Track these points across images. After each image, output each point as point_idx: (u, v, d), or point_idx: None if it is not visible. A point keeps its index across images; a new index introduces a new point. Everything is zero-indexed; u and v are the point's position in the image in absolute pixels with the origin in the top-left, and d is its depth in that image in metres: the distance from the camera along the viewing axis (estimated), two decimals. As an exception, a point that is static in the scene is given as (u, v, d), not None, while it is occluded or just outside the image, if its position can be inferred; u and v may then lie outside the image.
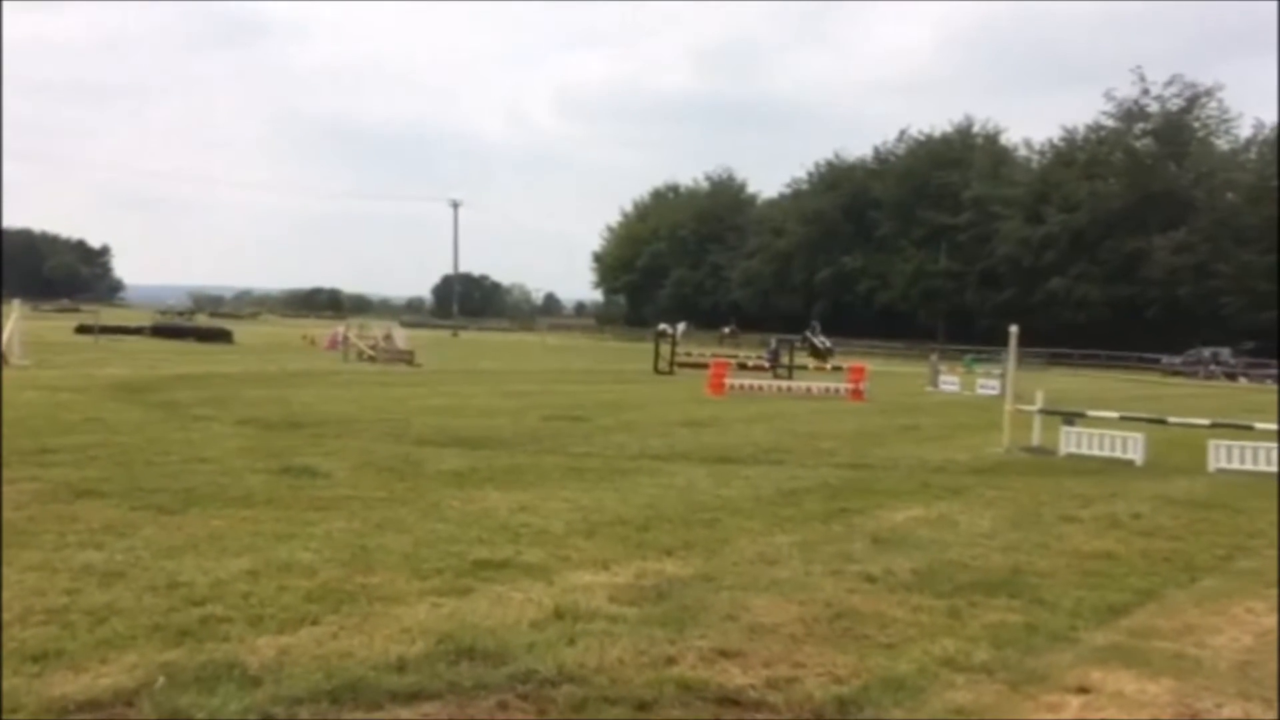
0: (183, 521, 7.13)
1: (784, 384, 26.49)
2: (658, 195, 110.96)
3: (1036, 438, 14.43)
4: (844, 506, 8.95)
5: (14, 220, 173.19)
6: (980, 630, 5.38)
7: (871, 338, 70.04)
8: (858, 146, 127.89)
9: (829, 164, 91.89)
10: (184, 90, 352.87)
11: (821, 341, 36.65)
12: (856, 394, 24.15)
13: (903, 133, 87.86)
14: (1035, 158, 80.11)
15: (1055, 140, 77.87)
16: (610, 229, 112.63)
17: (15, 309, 24.78)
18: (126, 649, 4.44)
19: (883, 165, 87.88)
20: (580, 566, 6.36)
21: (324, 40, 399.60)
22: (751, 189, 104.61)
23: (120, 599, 5.18)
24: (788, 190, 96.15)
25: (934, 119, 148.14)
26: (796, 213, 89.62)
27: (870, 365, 29.53)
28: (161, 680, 4.06)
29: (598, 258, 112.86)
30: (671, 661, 4.64)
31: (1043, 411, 14.83)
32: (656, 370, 31.88)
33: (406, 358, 32.53)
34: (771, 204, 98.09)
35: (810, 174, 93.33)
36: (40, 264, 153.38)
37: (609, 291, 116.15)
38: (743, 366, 27.73)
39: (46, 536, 6.51)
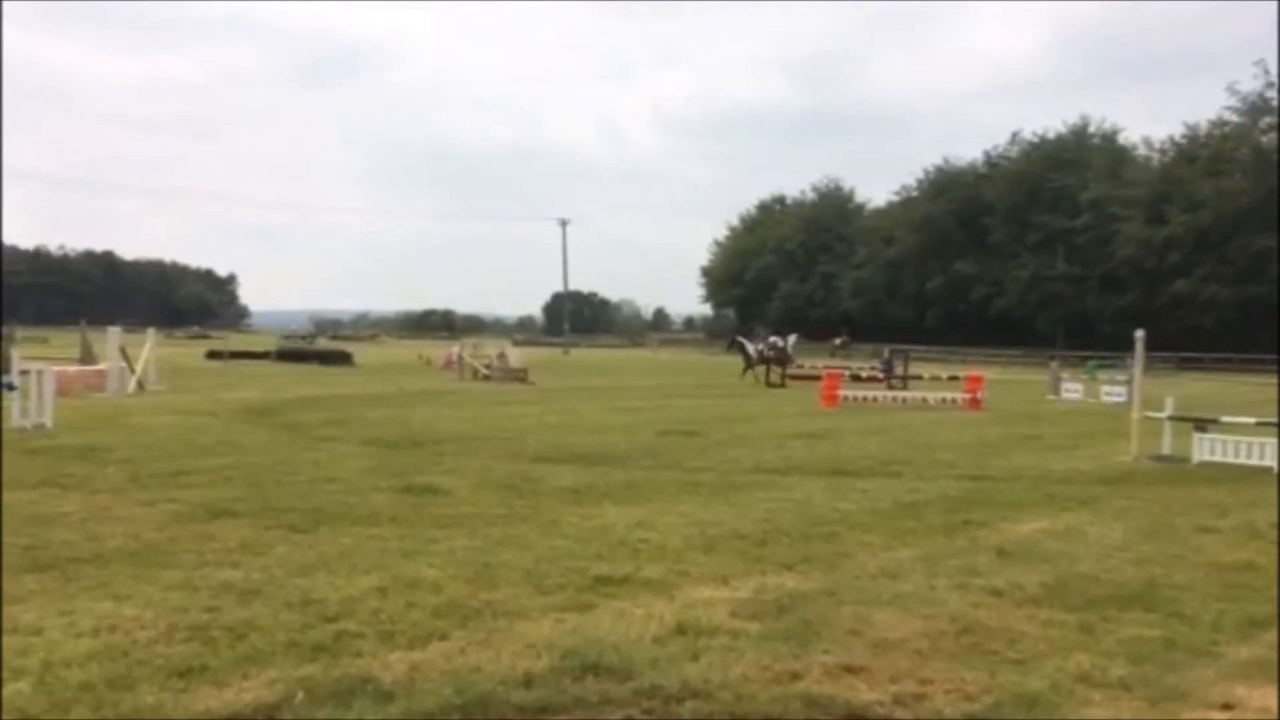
0: (313, 540, 7.35)
1: (899, 394, 26.10)
2: (764, 208, 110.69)
3: (1167, 445, 13.94)
4: (966, 519, 8.78)
5: (145, 252, 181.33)
6: (1116, 645, 5.21)
7: (987, 346, 68.56)
8: (967, 151, 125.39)
9: (938, 169, 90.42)
10: (293, 122, 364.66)
11: (772, 345, 35.71)
12: (974, 403, 23.67)
13: (1015, 135, 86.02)
14: (1156, 156, 77.53)
15: (1176, 137, 75.31)
16: (718, 243, 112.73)
17: (150, 337, 25.88)
18: (266, 664, 4.59)
19: (994, 169, 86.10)
20: (700, 582, 6.36)
21: (421, 68, 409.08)
22: (859, 198, 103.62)
23: (258, 616, 5.36)
24: (896, 198, 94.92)
25: (1047, 120, 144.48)
26: (906, 220, 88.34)
27: (987, 374, 28.88)
28: (300, 695, 4.19)
29: (706, 272, 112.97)
30: (796, 677, 4.61)
31: (1173, 418, 14.32)
32: (768, 384, 31.72)
33: (520, 376, 32.97)
34: (880, 212, 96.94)
35: (919, 180, 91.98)
36: (171, 293, 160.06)
37: (718, 305, 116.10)
38: (856, 378, 27.43)
39: (186, 556, 6.77)
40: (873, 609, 5.76)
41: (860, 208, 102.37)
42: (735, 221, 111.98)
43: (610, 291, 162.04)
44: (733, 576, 6.50)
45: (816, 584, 6.35)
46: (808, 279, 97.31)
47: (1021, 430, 18.18)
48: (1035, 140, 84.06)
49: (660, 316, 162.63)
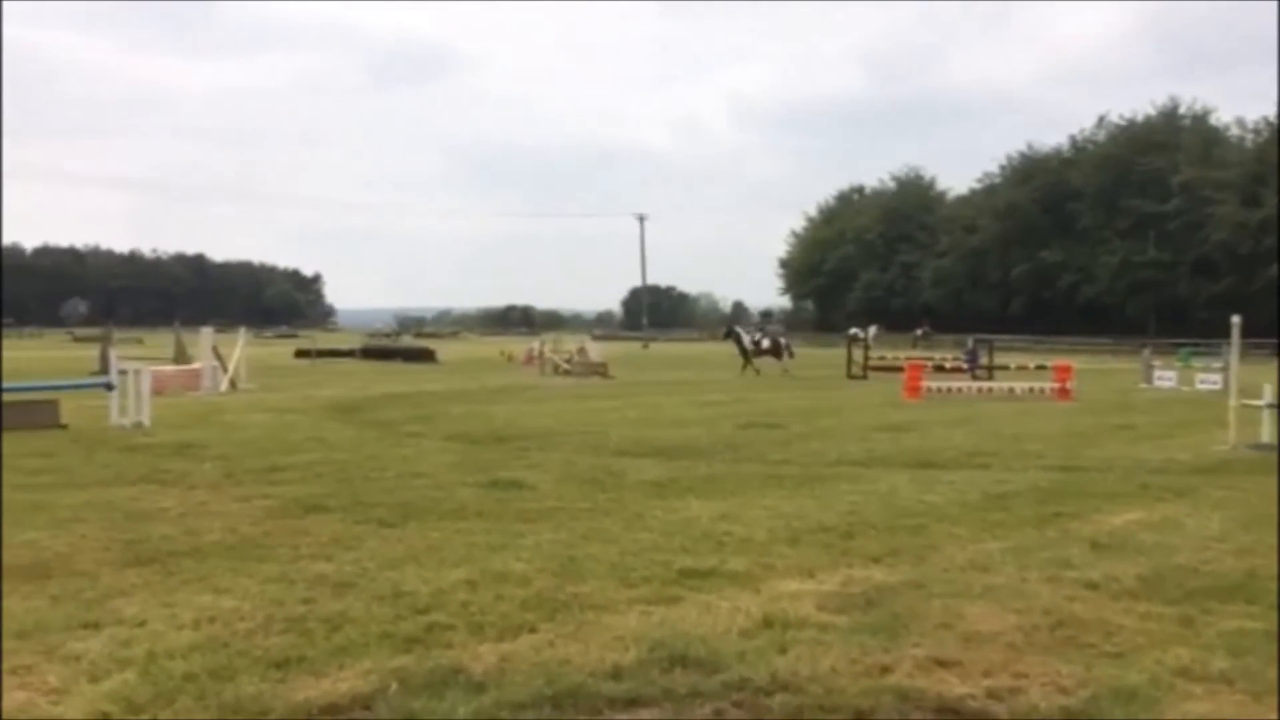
0: (402, 534, 7.48)
1: (984, 385, 25.69)
2: (843, 198, 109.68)
3: (1266, 434, 13.52)
4: (1057, 510, 8.61)
5: (234, 254, 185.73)
6: (1216, 638, 5.08)
7: (1075, 334, 67.15)
8: (1051, 137, 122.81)
9: (1022, 155, 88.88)
10: (376, 125, 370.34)
11: (765, 335, 35.37)
12: (1063, 393, 23.18)
13: (1102, 119, 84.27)
14: (1249, 137, 75.21)
15: (1270, 118, 72.90)
16: (795, 234, 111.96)
17: (241, 336, 26.52)
18: (361, 655, 4.68)
19: (1081, 153, 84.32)
20: (785, 574, 6.33)
21: (501, 70, 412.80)
22: (940, 186, 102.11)
23: (351, 608, 5.47)
24: (979, 185, 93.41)
25: (1134, 103, 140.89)
26: (989, 208, 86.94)
27: (1075, 363, 28.26)
28: (395, 685, 4.27)
29: (784, 264, 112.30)
30: (886, 670, 4.57)
31: (1272, 406, 13.88)
32: (849, 375, 31.45)
33: (600, 370, 33.14)
34: (962, 200, 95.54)
35: (1002, 167, 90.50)
36: (259, 293, 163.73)
37: (797, 297, 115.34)
38: (940, 368, 27.04)
39: (281, 550, 6.93)
40: (963, 602, 5.68)
41: (941, 196, 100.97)
42: (813, 212, 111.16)
43: (688, 285, 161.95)
44: (819, 569, 6.46)
45: (904, 577, 6.29)
46: (888, 269, 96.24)
47: (1113, 420, 17.78)
48: (1123, 123, 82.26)
49: (738, 309, 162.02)
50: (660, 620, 5.29)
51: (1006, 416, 17.99)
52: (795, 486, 9.84)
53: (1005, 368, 28.88)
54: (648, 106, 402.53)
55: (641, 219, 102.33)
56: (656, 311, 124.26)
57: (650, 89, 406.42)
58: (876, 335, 41.32)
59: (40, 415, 14.87)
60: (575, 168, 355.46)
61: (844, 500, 9.03)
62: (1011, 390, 24.29)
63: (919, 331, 64.32)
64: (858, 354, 32.76)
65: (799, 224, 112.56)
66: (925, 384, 23.64)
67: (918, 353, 42.58)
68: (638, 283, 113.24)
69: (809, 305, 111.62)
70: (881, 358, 34.33)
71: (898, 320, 75.71)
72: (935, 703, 4.22)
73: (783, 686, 4.32)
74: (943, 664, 4.66)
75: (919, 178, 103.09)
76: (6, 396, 15.94)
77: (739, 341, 34.36)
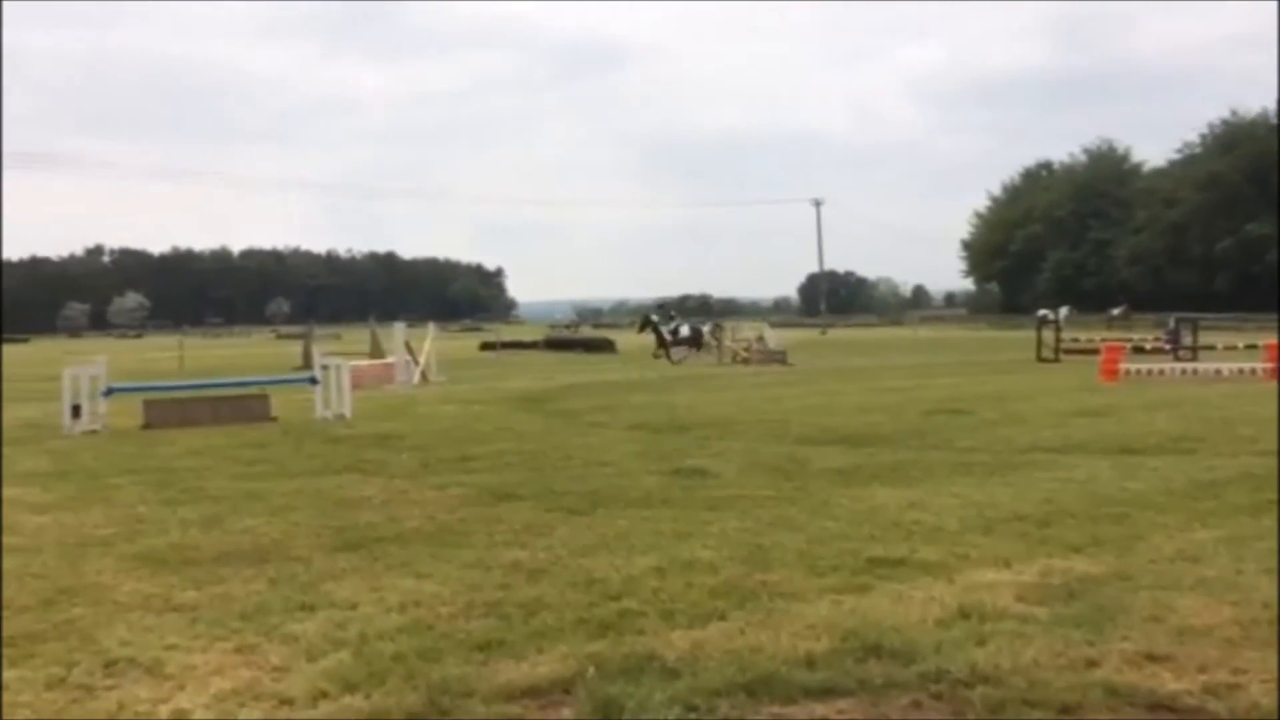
0: (591, 522, 7.63)
1: (1188, 366, 24.34)
2: (1029, 175, 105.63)
3: None
4: (1273, 498, 8.08)
5: (421, 251, 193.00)
6: None
7: (1288, 310, 62.75)
8: (1256, 101, 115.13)
9: (1225, 123, 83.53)
10: (551, 121, 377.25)
11: (672, 330, 33.76)
12: (1276, 374, 21.74)
13: (1315, 79, 78.24)
14: None
15: None
16: (978, 215, 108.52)
17: (431, 330, 27.54)
18: (557, 640, 4.81)
19: (1291, 118, 78.66)
20: (980, 564, 6.17)
21: (673, 62, 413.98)
22: (1135, 158, 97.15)
23: (546, 594, 5.62)
24: (1177, 156, 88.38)
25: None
26: (1189, 179, 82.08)
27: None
28: (591, 670, 4.37)
29: (967, 245, 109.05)
30: (1093, 664, 4.40)
31: None
32: (1040, 359, 30.31)
33: (779, 358, 32.93)
34: (1160, 173, 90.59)
35: (1203, 136, 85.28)
36: (445, 288, 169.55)
37: (981, 280, 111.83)
38: (1139, 349, 25.79)
39: (477, 537, 7.18)
40: (1173, 594, 5.42)
41: (1136, 169, 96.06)
42: (997, 191, 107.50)
43: (867, 270, 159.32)
44: (1015, 559, 6.27)
45: (1108, 567, 6.03)
46: (1079, 247, 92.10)
47: (1334, 402, 16.56)
48: (1339, 82, 76.25)
49: (919, 293, 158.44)
50: (851, 609, 5.24)
51: (1213, 399, 17.00)
52: (986, 474, 9.56)
53: (1211, 348, 27.29)
54: (822, 89, 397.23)
55: (818, 204, 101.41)
56: (834, 297, 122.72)
57: (824, 71, 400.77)
58: (1068, 317, 39.73)
59: (253, 409, 15.81)
60: (750, 154, 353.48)
61: (1039, 488, 8.72)
62: (1218, 371, 22.93)
63: (1115, 311, 61.46)
64: (1048, 336, 31.51)
65: (982, 203, 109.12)
66: (1124, 366, 22.57)
67: (1114, 333, 40.65)
68: (815, 268, 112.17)
69: (994, 288, 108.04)
70: (1074, 340, 32.94)
71: (1090, 301, 72.50)
72: (1147, 699, 4.04)
73: (983, 679, 4.22)
74: (1154, 659, 4.46)
75: (1112, 150, 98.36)
76: (225, 391, 17.04)
77: (657, 332, 33.93)
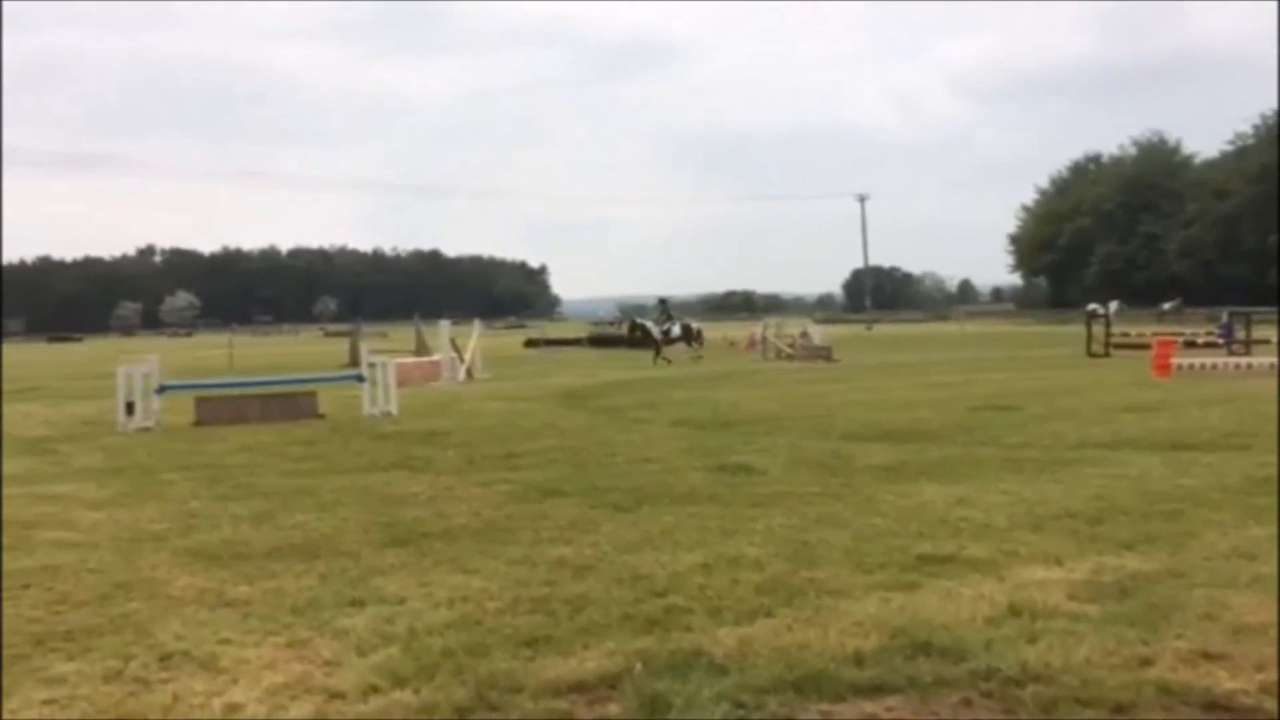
0: (636, 518, 7.63)
1: (1241, 360, 23.91)
2: (1077, 168, 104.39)
3: None
4: (1332, 495, 7.93)
5: (465, 249, 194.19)
6: None
7: (1345, 303, 61.47)
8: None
9: (1277, 114, 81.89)
10: (597, 119, 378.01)
11: (664, 330, 32.55)
12: (1333, 368, 21.29)
13: (1371, 67, 76.59)
14: None
15: None
16: (1026, 208, 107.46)
17: (476, 328, 27.69)
18: (604, 636, 4.82)
19: (1348, 106, 77.08)
20: (1030, 562, 6.10)
21: (718, 59, 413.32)
22: (1185, 150, 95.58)
23: (592, 590, 5.63)
24: (1230, 147, 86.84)
25: None
26: (1242, 171, 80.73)
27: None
28: (639, 666, 4.37)
29: (1014, 240, 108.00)
30: (1146, 663, 4.34)
31: None
32: (1089, 354, 29.93)
33: (824, 354, 32.78)
34: (1211, 164, 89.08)
35: (1256, 127, 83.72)
36: (489, 286, 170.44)
37: (1028, 274, 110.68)
38: (1190, 344, 25.38)
39: (523, 533, 7.21)
40: (1228, 592, 5.32)
41: (1187, 160, 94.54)
42: (1045, 184, 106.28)
43: (912, 265, 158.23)
44: (1066, 557, 6.19)
45: (1161, 565, 5.94)
46: (1129, 240, 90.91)
47: (1393, 397, 16.20)
48: (1398, 70, 74.57)
49: (966, 289, 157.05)
50: (900, 607, 5.20)
51: (1268, 395, 16.65)
52: (1036, 470, 9.45)
53: (1265, 342, 26.80)
54: (865, 85, 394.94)
55: (862, 199, 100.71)
56: (879, 293, 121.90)
57: (867, 67, 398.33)
58: (1118, 311, 39.18)
59: (301, 406, 15.99)
60: (793, 151, 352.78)
61: (1090, 485, 8.61)
62: (1274, 366, 22.50)
63: (1167, 305, 60.56)
64: (1098, 331, 31.11)
65: (1029, 197, 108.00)
66: (1176, 361, 22.23)
67: (1165, 328, 40.04)
68: (859, 264, 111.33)
69: (1042, 282, 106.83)
70: (1125, 334, 32.51)
71: (1141, 295, 71.52)
72: (1202, 697, 3.98)
73: (1034, 677, 4.17)
74: (1209, 657, 4.39)
75: (1162, 142, 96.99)
76: (274, 389, 17.24)
77: (647, 334, 32.66)
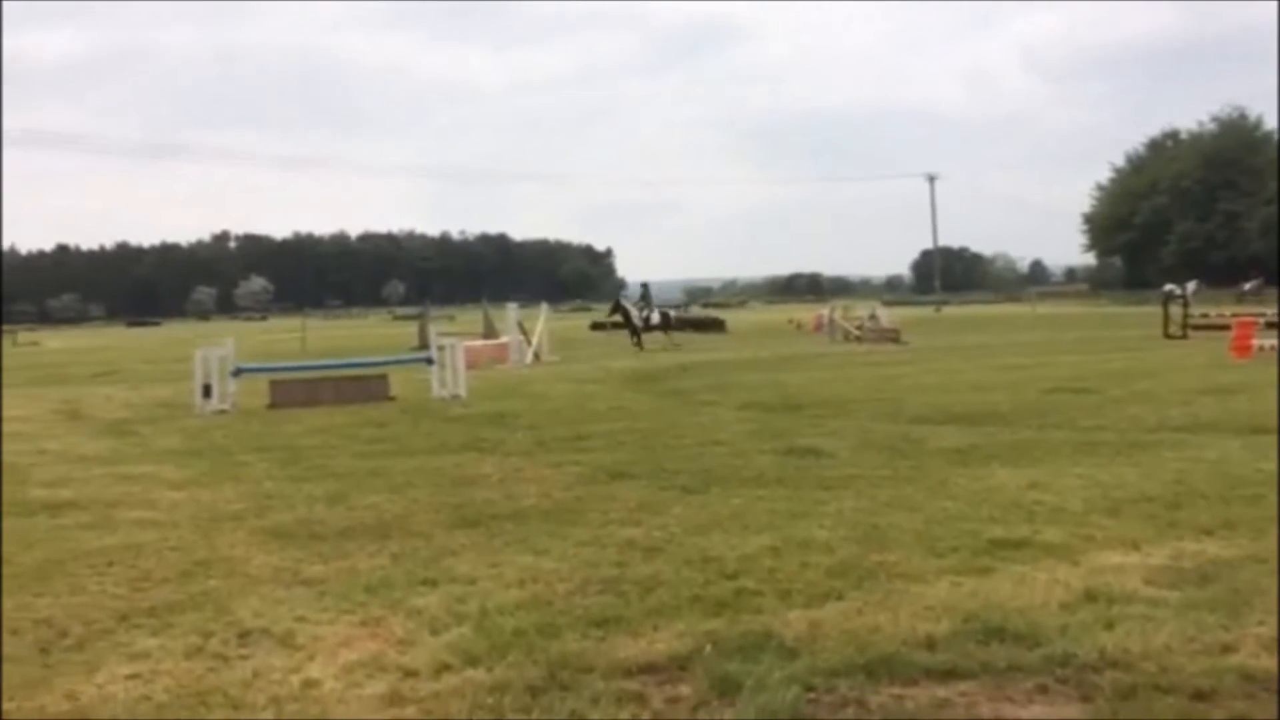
0: (705, 500, 7.63)
1: (1326, 342, 23.19)
2: (1154, 145, 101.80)
3: None
4: None
5: (532, 232, 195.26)
6: None
7: None
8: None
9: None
10: (662, 102, 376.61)
11: (644, 317, 31.57)
12: None
13: None
14: None
15: None
16: (1100, 187, 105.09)
17: (543, 311, 27.85)
18: (674, 617, 4.83)
19: None
20: (1106, 546, 6.00)
21: (782, 38, 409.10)
22: (1268, 125, 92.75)
23: (662, 571, 5.65)
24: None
25: None
26: (1327, 146, 78.10)
27: None
28: (709, 648, 4.38)
29: (1088, 219, 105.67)
30: (1228, 649, 4.24)
31: None
32: (1166, 335, 29.27)
33: (892, 336, 32.48)
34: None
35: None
36: (555, 269, 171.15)
37: (1103, 254, 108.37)
38: (1271, 325, 24.68)
39: (592, 514, 7.25)
40: (1314, 579, 5.18)
41: (1269, 136, 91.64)
42: (1120, 162, 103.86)
43: (982, 246, 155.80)
44: (1144, 541, 6.07)
45: (1242, 550, 5.80)
46: (1208, 219, 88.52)
47: None
48: None
49: (1037, 269, 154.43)
50: (972, 591, 5.14)
51: (1356, 376, 16.18)
52: (1112, 454, 9.27)
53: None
54: (933, 63, 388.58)
55: (931, 179, 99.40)
56: (949, 274, 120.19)
57: (935, 44, 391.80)
58: (1196, 291, 38.22)
59: (372, 389, 16.22)
60: (860, 130, 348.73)
61: (1168, 468, 8.43)
62: (1360, 347, 21.82)
63: (1247, 286, 58.96)
64: (1175, 312, 30.40)
65: (1104, 175, 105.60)
66: (1256, 342, 21.65)
67: (1246, 308, 38.99)
68: (928, 245, 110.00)
69: (1117, 262, 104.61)
70: (1204, 315, 31.72)
71: (1220, 274, 69.69)
72: (1287, 687, 3.88)
73: (1112, 663, 4.10)
74: (1294, 645, 4.28)
75: (1243, 118, 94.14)
76: (346, 372, 17.52)
77: (627, 317, 31.96)
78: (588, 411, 13.89)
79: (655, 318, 32.19)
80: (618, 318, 32.79)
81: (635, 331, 31.36)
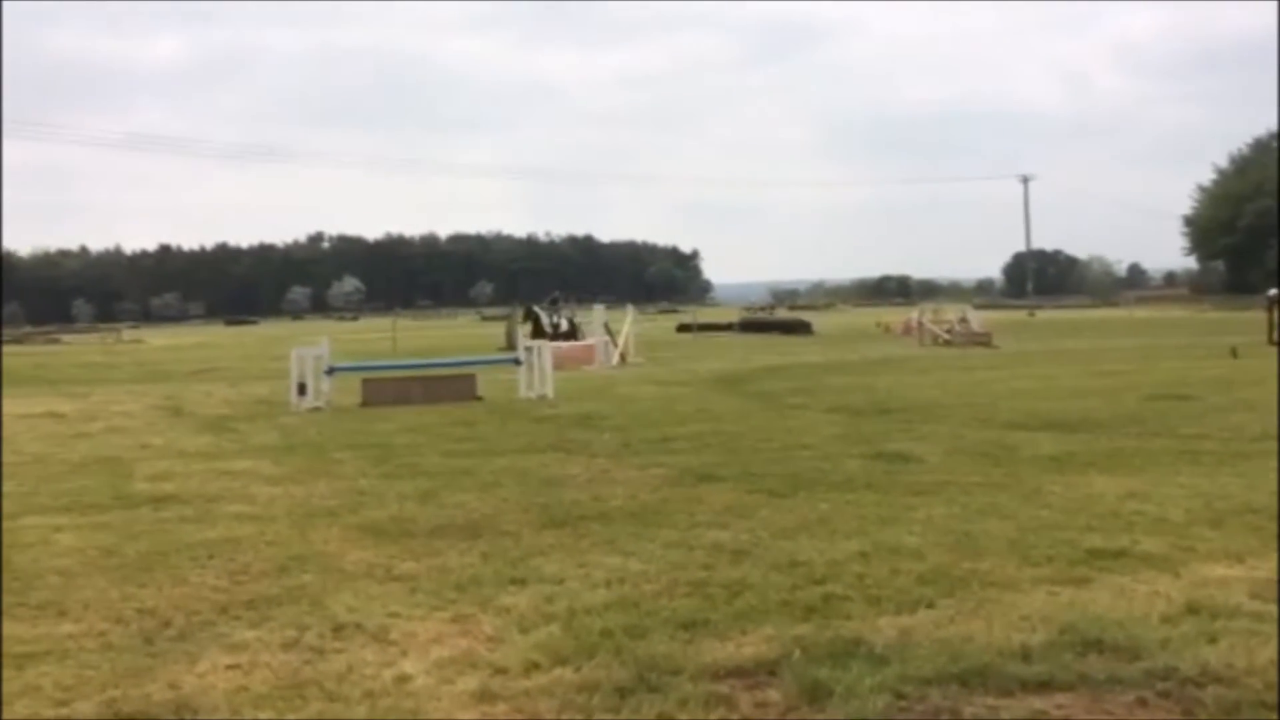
0: (793, 504, 7.58)
1: None
2: (1260, 145, 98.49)
3: None
4: None
5: (619, 234, 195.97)
6: None
7: None
8: None
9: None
10: (751, 102, 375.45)
11: (553, 320, 30.76)
12: None
13: None
14: None
15: None
16: (1202, 189, 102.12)
17: (629, 313, 27.95)
18: (761, 622, 4.81)
19: None
20: (1209, 558, 5.81)
21: (873, 36, 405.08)
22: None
23: (749, 575, 5.62)
24: None
25: None
26: None
27: None
28: (797, 653, 4.35)
29: (1189, 221, 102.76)
30: (1339, 669, 4.08)
31: None
32: (1271, 341, 28.24)
33: (983, 340, 31.92)
34: None
35: None
36: (642, 271, 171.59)
37: (1204, 257, 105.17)
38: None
39: (678, 517, 7.25)
40: None
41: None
42: (1224, 164, 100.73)
43: (1077, 249, 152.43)
44: (1248, 554, 5.87)
45: (1355, 566, 5.58)
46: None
47: None
48: None
49: (1135, 273, 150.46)
50: (1069, 601, 5.03)
51: None
52: (1215, 463, 8.99)
53: None
54: (1027, 62, 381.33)
55: (1025, 180, 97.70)
56: (1042, 277, 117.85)
57: (1032, 41, 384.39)
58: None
59: (461, 389, 16.44)
60: (952, 131, 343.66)
61: (1273, 479, 8.13)
62: None
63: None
64: (1281, 317, 29.31)
65: (1206, 177, 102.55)
66: (1368, 349, 20.80)
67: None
68: (1021, 247, 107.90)
69: (1219, 266, 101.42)
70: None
71: (1330, 278, 66.98)
72: (1403, 709, 3.72)
73: (1215, 679, 3.98)
74: None
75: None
76: (435, 371, 17.79)
77: (537, 323, 31.25)
78: (674, 413, 13.90)
79: (564, 325, 32.01)
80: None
81: (547, 339, 31.57)
